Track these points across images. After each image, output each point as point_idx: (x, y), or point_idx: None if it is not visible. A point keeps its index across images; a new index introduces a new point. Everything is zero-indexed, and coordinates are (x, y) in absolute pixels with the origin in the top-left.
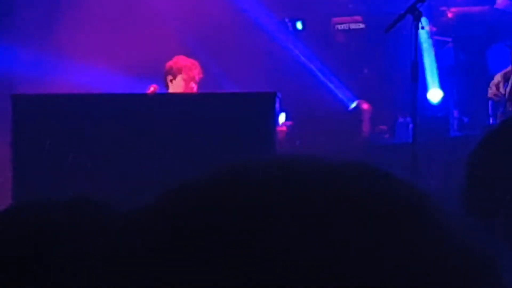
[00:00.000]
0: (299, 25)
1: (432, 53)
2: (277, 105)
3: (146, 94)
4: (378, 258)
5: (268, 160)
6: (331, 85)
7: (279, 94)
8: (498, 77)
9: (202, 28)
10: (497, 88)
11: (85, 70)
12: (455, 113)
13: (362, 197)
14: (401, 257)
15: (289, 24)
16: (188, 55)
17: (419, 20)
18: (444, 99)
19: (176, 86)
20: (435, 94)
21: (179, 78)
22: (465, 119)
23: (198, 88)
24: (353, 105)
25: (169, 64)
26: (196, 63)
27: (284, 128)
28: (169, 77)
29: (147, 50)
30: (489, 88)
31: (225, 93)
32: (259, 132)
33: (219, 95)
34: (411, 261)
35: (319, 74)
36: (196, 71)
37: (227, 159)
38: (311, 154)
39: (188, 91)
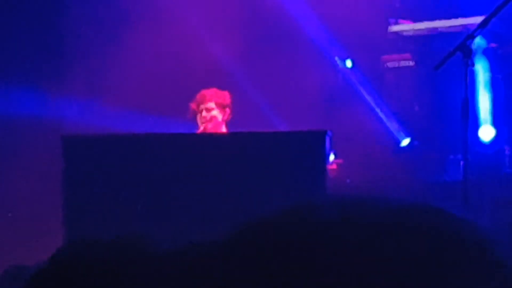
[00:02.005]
0: (348, 63)
1: (487, 89)
2: (327, 143)
3: (196, 134)
4: None
5: (333, 201)
6: (381, 123)
7: (329, 132)
8: None
9: (253, 65)
10: None
11: (130, 115)
12: (507, 150)
13: (430, 239)
14: None
15: (339, 62)
16: (239, 92)
17: (469, 57)
18: (496, 136)
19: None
20: (487, 132)
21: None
22: None
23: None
24: (404, 142)
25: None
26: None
27: (334, 166)
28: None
29: (193, 91)
30: None
31: (276, 132)
32: (310, 170)
33: (269, 134)
34: None
35: (369, 112)
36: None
37: (278, 198)
38: (373, 195)
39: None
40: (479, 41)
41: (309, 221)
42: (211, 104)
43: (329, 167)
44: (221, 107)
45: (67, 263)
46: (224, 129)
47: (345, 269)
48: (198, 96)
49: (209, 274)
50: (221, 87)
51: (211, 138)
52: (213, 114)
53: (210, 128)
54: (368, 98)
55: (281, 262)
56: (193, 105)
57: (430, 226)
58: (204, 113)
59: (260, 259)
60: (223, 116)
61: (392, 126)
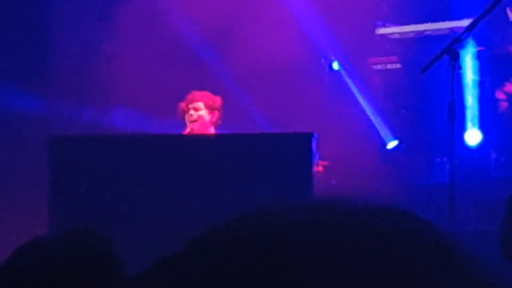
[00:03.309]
0: (335, 66)
1: (475, 92)
2: (314, 145)
3: (183, 135)
4: None
5: (301, 203)
6: (367, 125)
7: (315, 135)
8: None
9: (240, 67)
10: None
11: (120, 113)
12: (493, 154)
13: (391, 241)
14: None
15: (326, 64)
16: (224, 94)
17: (456, 60)
18: (482, 139)
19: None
20: (473, 136)
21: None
22: (502, 159)
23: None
24: (391, 145)
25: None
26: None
27: (320, 168)
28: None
29: (183, 91)
30: None
31: (262, 133)
32: (296, 172)
33: (256, 135)
34: None
35: (355, 114)
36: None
37: (263, 200)
38: (341, 197)
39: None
40: (466, 44)
41: (262, 226)
42: (200, 104)
43: (315, 169)
44: (210, 108)
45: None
46: (212, 131)
47: (299, 272)
48: (188, 96)
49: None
50: (208, 88)
51: (198, 139)
52: (200, 113)
53: (197, 128)
54: (355, 100)
55: (231, 270)
56: (182, 104)
57: (391, 226)
58: (191, 112)
59: (223, 265)
60: (211, 117)
61: (379, 128)
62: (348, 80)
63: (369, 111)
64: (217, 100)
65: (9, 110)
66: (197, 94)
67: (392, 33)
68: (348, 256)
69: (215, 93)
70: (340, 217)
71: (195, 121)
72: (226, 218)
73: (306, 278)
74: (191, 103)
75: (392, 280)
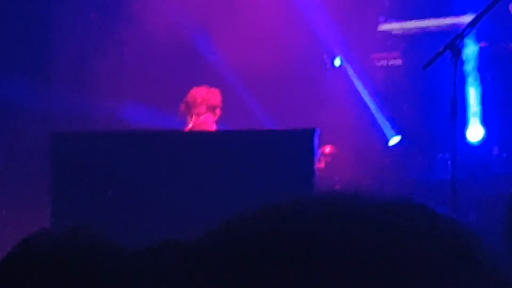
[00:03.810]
0: (337, 62)
1: (477, 88)
2: (315, 141)
3: (185, 132)
4: None
5: (314, 197)
6: (370, 121)
7: (317, 131)
8: None
9: (242, 63)
10: None
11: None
12: (495, 150)
13: (408, 235)
14: None
15: (328, 60)
16: (226, 90)
17: (458, 56)
18: (484, 135)
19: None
20: (475, 133)
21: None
22: (504, 155)
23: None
24: (393, 141)
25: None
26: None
27: (322, 164)
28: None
29: (183, 85)
30: None
31: (264, 130)
32: (298, 168)
33: (258, 132)
34: None
35: (357, 110)
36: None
37: (266, 195)
38: (355, 192)
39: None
40: (468, 40)
41: (290, 218)
42: (202, 108)
43: (317, 165)
44: (212, 109)
45: (17, 262)
46: (213, 128)
47: (326, 265)
48: (188, 98)
49: (179, 275)
50: (210, 85)
51: (200, 136)
52: (203, 118)
53: (199, 127)
54: (357, 96)
55: (261, 261)
56: (183, 107)
57: (410, 222)
58: (194, 118)
59: (239, 260)
60: (213, 117)
61: (381, 124)
62: (350, 76)
63: (371, 107)
64: (217, 97)
65: (11, 104)
66: (198, 97)
67: (395, 29)
68: (366, 251)
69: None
70: (358, 212)
71: (199, 125)
72: (240, 213)
73: (324, 272)
74: (193, 107)
75: (410, 274)
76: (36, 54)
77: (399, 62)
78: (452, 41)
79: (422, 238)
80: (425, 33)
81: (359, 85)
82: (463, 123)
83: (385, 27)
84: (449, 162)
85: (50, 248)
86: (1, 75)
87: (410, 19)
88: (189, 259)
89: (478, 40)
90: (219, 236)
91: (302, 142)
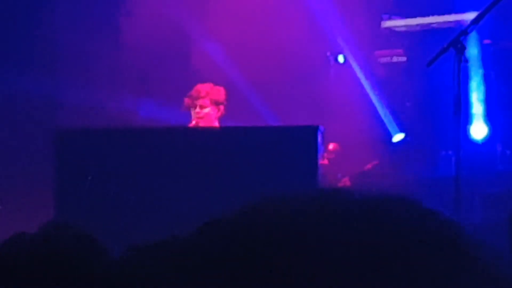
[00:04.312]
0: (340, 59)
1: (480, 85)
2: (319, 138)
3: (188, 128)
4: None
5: (305, 194)
6: (373, 118)
7: (321, 128)
8: None
9: (245, 60)
10: None
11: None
12: (499, 147)
13: (396, 230)
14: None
15: (331, 57)
16: (230, 87)
17: (462, 54)
18: (488, 133)
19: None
20: (479, 130)
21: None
22: (508, 152)
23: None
24: (396, 138)
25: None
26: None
27: (326, 161)
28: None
29: (186, 83)
30: None
31: (268, 126)
32: (302, 165)
33: (261, 128)
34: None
35: (361, 107)
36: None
37: (269, 192)
38: (347, 188)
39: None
40: (472, 37)
41: (274, 214)
42: (206, 101)
43: (320, 162)
44: (215, 104)
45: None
46: (216, 124)
47: (319, 260)
48: (193, 92)
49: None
50: (214, 82)
51: (204, 132)
52: (206, 111)
53: (202, 123)
54: (360, 93)
55: (244, 259)
56: (187, 100)
57: (398, 218)
58: (198, 109)
59: (224, 257)
60: (217, 112)
61: (384, 121)
62: (353, 73)
63: (374, 104)
64: (221, 93)
65: (16, 96)
66: (202, 90)
67: (398, 26)
68: (356, 244)
69: (220, 86)
70: (348, 207)
71: (201, 118)
72: (232, 209)
73: (317, 266)
74: (196, 99)
75: (397, 267)
76: (41, 47)
77: (402, 59)
78: (456, 38)
79: (409, 232)
80: (429, 30)
81: (362, 82)
82: (466, 120)
83: (388, 24)
84: (453, 159)
85: (25, 250)
86: (6, 68)
87: (414, 16)
88: (181, 258)
89: (481, 37)
90: (210, 233)
91: (305, 139)
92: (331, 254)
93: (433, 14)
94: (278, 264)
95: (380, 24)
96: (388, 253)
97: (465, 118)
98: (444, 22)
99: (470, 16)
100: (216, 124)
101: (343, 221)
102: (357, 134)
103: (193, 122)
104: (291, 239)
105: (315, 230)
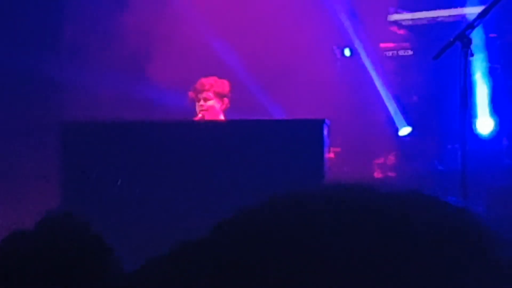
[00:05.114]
0: (347, 52)
1: (486, 79)
2: (325, 132)
3: (193, 121)
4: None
5: (324, 189)
6: (379, 112)
7: (327, 121)
8: None
9: (251, 53)
10: None
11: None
12: (505, 140)
13: (420, 225)
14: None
15: (337, 51)
16: (236, 80)
17: (468, 47)
18: (494, 126)
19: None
20: (485, 125)
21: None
22: None
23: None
24: (403, 132)
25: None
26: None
27: (332, 155)
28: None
29: (191, 76)
30: None
31: (274, 120)
32: (308, 159)
33: (267, 122)
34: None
35: (367, 100)
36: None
37: (275, 186)
38: (365, 183)
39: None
40: (478, 31)
41: (298, 209)
42: (210, 94)
43: (326, 155)
44: (219, 96)
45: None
46: (221, 117)
47: (334, 256)
48: (197, 85)
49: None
50: (219, 76)
51: (209, 126)
52: (210, 104)
53: (207, 116)
54: (367, 87)
55: (270, 252)
56: (191, 94)
57: (421, 212)
58: (202, 102)
59: (248, 250)
60: (221, 105)
61: (391, 114)
62: (360, 67)
63: (381, 97)
64: (226, 86)
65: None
66: (206, 83)
67: (405, 20)
68: (374, 239)
69: (226, 80)
70: (370, 203)
71: (205, 110)
72: (251, 204)
73: (332, 260)
74: (200, 93)
75: (421, 263)
76: (46, 25)
77: (409, 52)
78: (462, 32)
79: (432, 228)
80: (435, 24)
81: (369, 76)
82: (472, 114)
83: (395, 17)
84: (459, 153)
85: (23, 246)
86: (10, 46)
87: (420, 9)
88: (194, 257)
89: (488, 31)
90: (223, 230)
91: (311, 133)
92: (351, 250)
93: (439, 8)
94: (295, 263)
95: (386, 17)
96: (411, 248)
97: (471, 112)
98: (450, 16)
99: (476, 10)
100: (222, 117)
101: (365, 217)
102: (364, 127)
103: (199, 116)
104: (308, 238)
105: (335, 227)
